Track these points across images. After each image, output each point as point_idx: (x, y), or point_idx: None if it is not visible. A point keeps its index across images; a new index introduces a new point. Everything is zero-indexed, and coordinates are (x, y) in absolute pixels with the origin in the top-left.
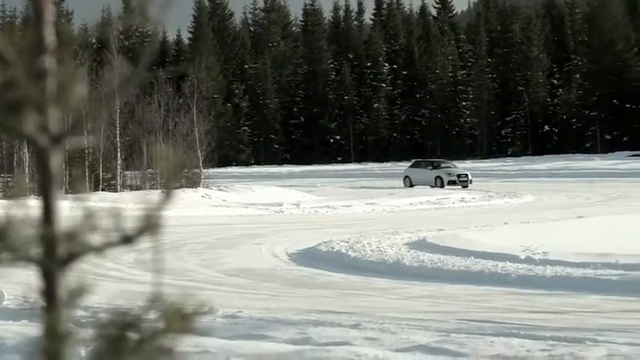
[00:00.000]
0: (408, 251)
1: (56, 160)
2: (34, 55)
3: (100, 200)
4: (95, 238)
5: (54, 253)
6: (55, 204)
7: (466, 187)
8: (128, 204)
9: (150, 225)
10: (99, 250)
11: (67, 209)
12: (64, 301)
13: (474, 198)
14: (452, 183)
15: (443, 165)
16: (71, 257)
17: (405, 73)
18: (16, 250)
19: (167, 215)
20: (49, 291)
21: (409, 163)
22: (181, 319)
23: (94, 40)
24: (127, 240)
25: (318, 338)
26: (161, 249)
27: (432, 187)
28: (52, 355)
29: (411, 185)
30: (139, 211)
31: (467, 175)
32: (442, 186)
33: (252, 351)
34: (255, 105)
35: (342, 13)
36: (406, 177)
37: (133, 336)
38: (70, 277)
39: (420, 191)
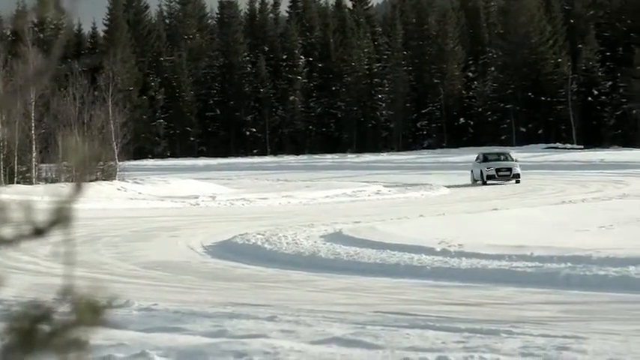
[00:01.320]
0: (324, 244)
1: None
2: None
3: (14, 193)
4: (6, 231)
5: None
6: None
7: (509, 181)
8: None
9: (61, 217)
10: (10, 242)
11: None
12: None
13: (389, 190)
14: (491, 177)
15: (492, 157)
16: None
17: (320, 65)
18: None
19: (82, 208)
20: None
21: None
22: (93, 311)
23: (8, 33)
24: (39, 232)
25: (234, 331)
26: (73, 241)
27: (478, 182)
28: None
29: (475, 181)
30: (51, 204)
31: (509, 170)
32: (484, 182)
33: (167, 344)
34: (171, 97)
35: (257, 5)
36: (471, 171)
37: (45, 329)
38: None
39: (337, 183)
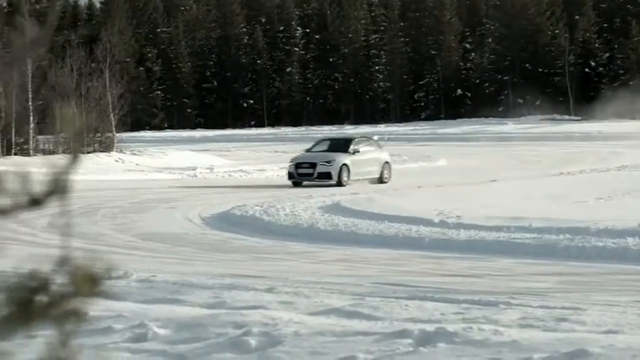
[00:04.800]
0: (322, 215)
1: None
2: None
3: (11, 165)
4: (3, 201)
5: None
6: None
7: (326, 181)
8: (40, 168)
9: (58, 188)
10: (6, 212)
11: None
12: None
13: None
14: (291, 176)
15: (321, 147)
16: None
17: (317, 37)
18: None
19: (80, 179)
20: None
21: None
22: (91, 282)
23: (4, 4)
24: (35, 203)
25: (233, 302)
26: (70, 212)
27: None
28: None
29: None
30: (48, 175)
31: (312, 166)
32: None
33: (166, 315)
34: (168, 69)
35: None
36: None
37: (43, 300)
38: None
39: None
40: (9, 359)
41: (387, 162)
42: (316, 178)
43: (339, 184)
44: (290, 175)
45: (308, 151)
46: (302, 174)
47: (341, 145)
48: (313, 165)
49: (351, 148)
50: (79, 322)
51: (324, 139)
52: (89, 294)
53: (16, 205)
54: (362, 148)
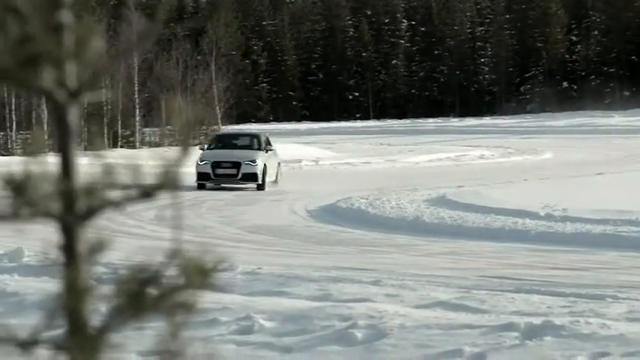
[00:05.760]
0: (428, 208)
1: (74, 115)
2: (50, 10)
3: (118, 157)
4: (114, 194)
5: (73, 208)
6: (73, 159)
7: (245, 184)
8: (147, 160)
9: (168, 180)
10: (118, 204)
11: (86, 165)
12: (84, 256)
13: (493, 154)
14: (205, 177)
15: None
16: (91, 212)
17: (423, 29)
18: (36, 205)
19: (184, 172)
20: (69, 246)
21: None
22: (201, 274)
23: None
24: (146, 195)
25: (339, 295)
26: (180, 205)
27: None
28: (72, 311)
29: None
30: (157, 167)
31: (236, 166)
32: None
33: (272, 307)
34: (274, 62)
35: None
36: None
37: (153, 291)
38: (89, 233)
39: (440, 147)
40: (120, 351)
41: (279, 163)
42: (240, 179)
43: (262, 186)
44: (203, 176)
45: (209, 148)
46: (221, 175)
47: (252, 143)
48: (236, 165)
49: (263, 146)
50: (189, 314)
51: (224, 135)
52: (200, 286)
53: (127, 197)
54: (269, 146)
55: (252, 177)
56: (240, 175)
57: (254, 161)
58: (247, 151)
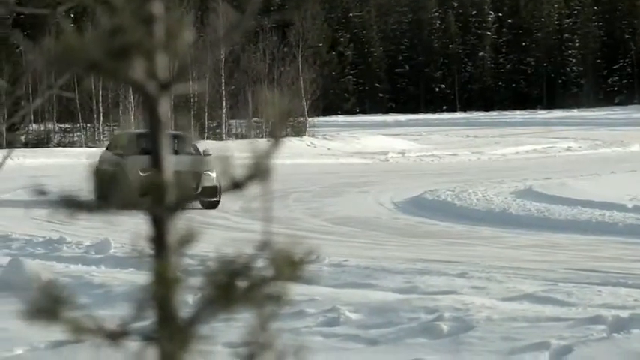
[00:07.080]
0: (515, 200)
1: (164, 107)
2: (141, 1)
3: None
4: (207, 184)
5: (163, 200)
6: (164, 151)
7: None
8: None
9: (259, 172)
10: (211, 195)
11: (173, 157)
12: (174, 247)
13: (580, 147)
14: None
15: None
16: (181, 203)
17: (510, 21)
18: (126, 196)
19: (273, 163)
20: (159, 238)
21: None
22: (290, 266)
23: None
24: (237, 186)
25: (425, 287)
26: (270, 197)
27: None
28: (160, 302)
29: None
30: (247, 159)
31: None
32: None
33: (358, 299)
34: (360, 54)
35: None
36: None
37: (242, 283)
38: (179, 224)
39: (527, 139)
40: (208, 342)
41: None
42: (200, 194)
43: (216, 203)
44: None
45: (108, 149)
46: None
47: (185, 145)
48: (196, 175)
49: (202, 150)
50: (278, 305)
51: (133, 135)
52: (289, 278)
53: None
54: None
55: (212, 192)
56: (199, 189)
57: (212, 171)
58: (193, 157)
